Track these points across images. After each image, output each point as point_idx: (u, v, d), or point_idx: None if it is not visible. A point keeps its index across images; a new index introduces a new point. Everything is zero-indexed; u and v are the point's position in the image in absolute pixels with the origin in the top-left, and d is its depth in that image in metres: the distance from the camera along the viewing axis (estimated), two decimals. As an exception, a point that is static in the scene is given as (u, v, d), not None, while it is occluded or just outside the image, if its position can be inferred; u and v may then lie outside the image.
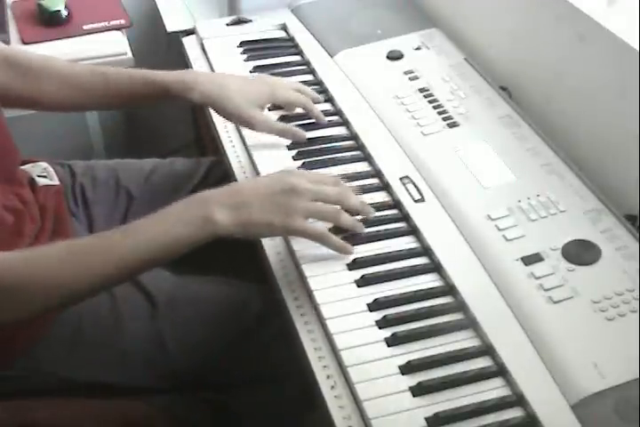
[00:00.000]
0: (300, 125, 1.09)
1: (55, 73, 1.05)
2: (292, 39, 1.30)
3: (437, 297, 0.85)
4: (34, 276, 0.79)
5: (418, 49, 1.20)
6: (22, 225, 0.98)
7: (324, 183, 0.88)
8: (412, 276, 0.88)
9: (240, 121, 1.05)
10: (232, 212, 0.81)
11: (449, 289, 0.86)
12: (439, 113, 1.07)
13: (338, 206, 0.88)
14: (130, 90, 1.05)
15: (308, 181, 0.86)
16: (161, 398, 0.99)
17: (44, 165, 1.14)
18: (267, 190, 0.83)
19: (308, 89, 1.12)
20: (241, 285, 1.05)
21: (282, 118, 1.11)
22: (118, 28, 1.43)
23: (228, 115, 1.05)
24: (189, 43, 1.33)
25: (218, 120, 1.12)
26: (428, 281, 0.87)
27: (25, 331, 0.93)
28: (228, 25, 1.35)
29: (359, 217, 0.92)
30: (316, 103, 1.11)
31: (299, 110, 1.12)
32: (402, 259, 0.90)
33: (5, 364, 0.94)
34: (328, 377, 0.79)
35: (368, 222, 0.93)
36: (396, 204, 0.97)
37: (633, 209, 0.91)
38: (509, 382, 0.76)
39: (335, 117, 1.13)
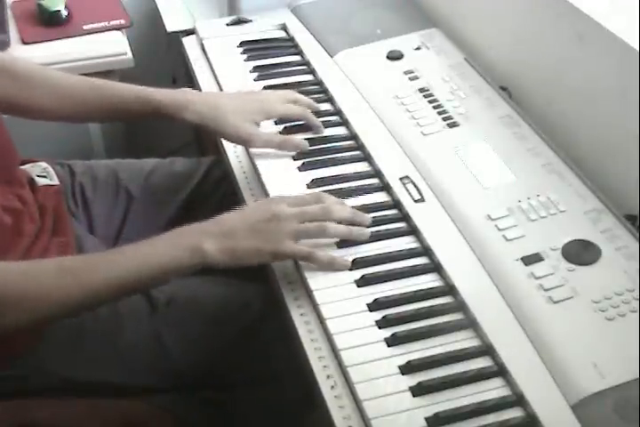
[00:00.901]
0: (299, 126, 1.10)
1: (50, 84, 1.05)
2: (292, 39, 1.30)
3: (437, 297, 0.85)
4: (29, 290, 0.79)
5: (418, 49, 1.20)
6: (22, 225, 0.98)
7: (306, 203, 0.88)
8: (412, 276, 0.88)
9: (239, 141, 1.05)
10: (220, 241, 0.82)
11: (449, 289, 0.86)
12: (439, 113, 1.07)
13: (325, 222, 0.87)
14: (123, 106, 1.05)
15: (288, 205, 0.86)
16: (161, 398, 0.99)
17: (44, 165, 1.14)
18: (251, 219, 0.85)
19: (304, 98, 1.11)
20: (241, 284, 1.05)
21: (281, 120, 1.11)
22: (118, 28, 1.43)
23: (225, 135, 1.05)
24: (189, 43, 1.33)
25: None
26: (428, 281, 0.87)
27: (25, 331, 0.92)
28: (228, 25, 1.35)
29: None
30: (313, 110, 1.11)
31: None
32: (402, 259, 0.90)
33: (5, 363, 0.94)
34: (328, 377, 0.79)
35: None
36: (396, 204, 0.97)
37: (633, 209, 0.91)
38: (509, 382, 0.76)
39: (335, 117, 1.13)
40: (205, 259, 0.82)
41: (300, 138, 1.06)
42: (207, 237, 0.82)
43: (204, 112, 1.03)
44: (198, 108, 1.03)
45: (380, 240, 0.92)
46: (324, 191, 0.98)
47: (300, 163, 1.04)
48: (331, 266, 0.87)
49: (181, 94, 1.05)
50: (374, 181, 1.01)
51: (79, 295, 0.80)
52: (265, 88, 1.19)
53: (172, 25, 1.41)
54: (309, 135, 1.08)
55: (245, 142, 1.05)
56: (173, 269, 0.82)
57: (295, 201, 0.88)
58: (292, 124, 1.10)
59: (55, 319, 0.84)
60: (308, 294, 0.87)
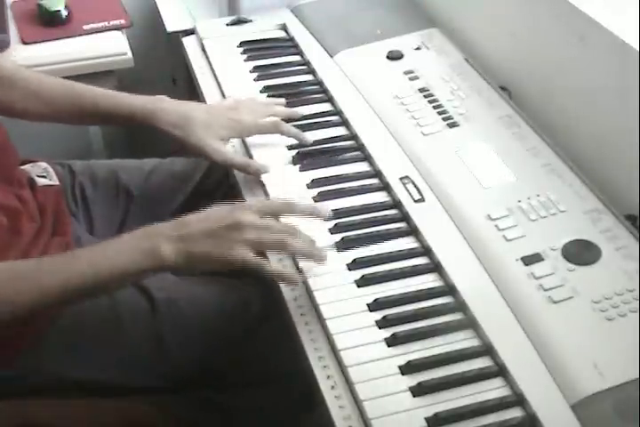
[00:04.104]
0: (298, 125, 1.09)
1: (24, 84, 1.06)
2: (292, 39, 1.30)
3: (437, 297, 0.85)
4: None
5: (418, 49, 1.20)
6: (20, 224, 0.97)
7: (274, 213, 0.86)
8: (412, 276, 0.88)
9: (201, 153, 1.03)
10: (176, 245, 0.81)
11: (449, 289, 0.86)
12: (439, 113, 1.07)
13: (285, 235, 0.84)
14: (97, 111, 1.05)
15: (255, 215, 0.83)
16: (161, 398, 0.99)
17: (44, 165, 1.14)
18: (212, 224, 0.82)
19: (283, 110, 1.10)
20: (241, 285, 1.05)
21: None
22: (118, 28, 1.43)
23: (189, 146, 1.03)
24: (189, 43, 1.33)
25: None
26: (428, 281, 0.87)
27: (24, 331, 0.93)
28: (227, 25, 1.35)
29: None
30: (295, 121, 1.09)
31: (299, 110, 1.12)
32: (402, 259, 0.90)
33: (5, 363, 0.94)
34: (328, 377, 0.79)
35: (368, 222, 0.94)
36: (396, 204, 0.97)
37: (633, 209, 0.91)
38: (509, 382, 0.76)
39: (335, 117, 1.13)
40: (163, 262, 0.80)
41: (260, 163, 1.03)
42: (164, 240, 0.81)
43: (173, 121, 1.03)
44: (168, 116, 1.03)
45: (380, 240, 0.92)
46: (324, 191, 0.99)
47: (299, 163, 1.04)
48: (282, 279, 0.85)
49: (154, 102, 1.05)
50: (374, 181, 1.01)
51: (33, 299, 0.79)
52: (265, 88, 1.19)
53: (171, 25, 1.41)
54: (309, 134, 1.08)
55: (207, 157, 1.03)
56: (130, 272, 0.81)
57: (263, 210, 0.85)
58: (294, 123, 1.10)
59: (11, 323, 0.82)
60: (308, 294, 0.87)
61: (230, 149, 1.06)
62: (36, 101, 1.06)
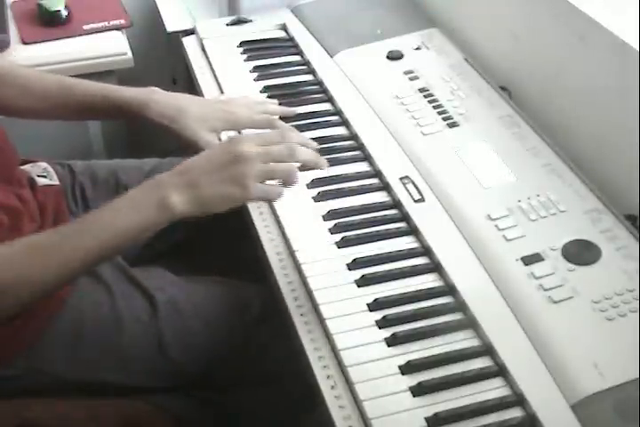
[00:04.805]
0: (299, 125, 1.09)
1: (21, 82, 1.05)
2: (292, 39, 1.30)
3: (437, 297, 0.85)
4: (5, 275, 0.77)
5: (418, 49, 1.20)
6: (20, 225, 0.97)
7: (270, 142, 0.83)
8: (412, 276, 0.88)
9: (193, 145, 1.02)
10: (185, 191, 0.78)
11: (449, 289, 0.86)
12: (439, 113, 1.07)
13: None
14: (91, 105, 1.05)
15: (255, 144, 0.81)
16: (161, 398, 0.99)
17: (44, 165, 1.14)
18: (215, 163, 0.80)
19: (276, 108, 1.10)
20: (241, 285, 1.05)
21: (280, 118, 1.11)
22: (118, 28, 1.43)
23: (181, 138, 1.02)
24: (189, 43, 1.33)
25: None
26: (428, 281, 0.87)
27: (24, 330, 0.93)
28: (227, 25, 1.35)
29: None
30: (286, 118, 1.09)
31: (299, 110, 1.12)
32: (402, 259, 0.90)
33: (5, 363, 0.94)
34: (328, 377, 0.79)
35: (368, 222, 0.94)
36: (396, 204, 0.97)
37: (633, 209, 0.91)
38: (509, 382, 0.76)
39: (335, 117, 1.13)
40: (174, 213, 0.78)
41: None
42: (172, 190, 0.78)
43: (165, 112, 1.02)
44: (160, 108, 1.02)
45: (380, 240, 0.92)
46: (324, 191, 0.99)
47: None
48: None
49: (146, 93, 1.04)
50: (374, 181, 1.01)
51: (54, 271, 0.78)
52: (265, 88, 1.19)
53: (171, 25, 1.41)
54: (309, 134, 1.08)
55: (199, 149, 0.99)
56: (143, 228, 0.79)
57: (259, 140, 0.83)
58: (293, 123, 1.10)
59: (40, 298, 0.82)
60: (308, 294, 0.87)
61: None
62: (31, 98, 1.05)
